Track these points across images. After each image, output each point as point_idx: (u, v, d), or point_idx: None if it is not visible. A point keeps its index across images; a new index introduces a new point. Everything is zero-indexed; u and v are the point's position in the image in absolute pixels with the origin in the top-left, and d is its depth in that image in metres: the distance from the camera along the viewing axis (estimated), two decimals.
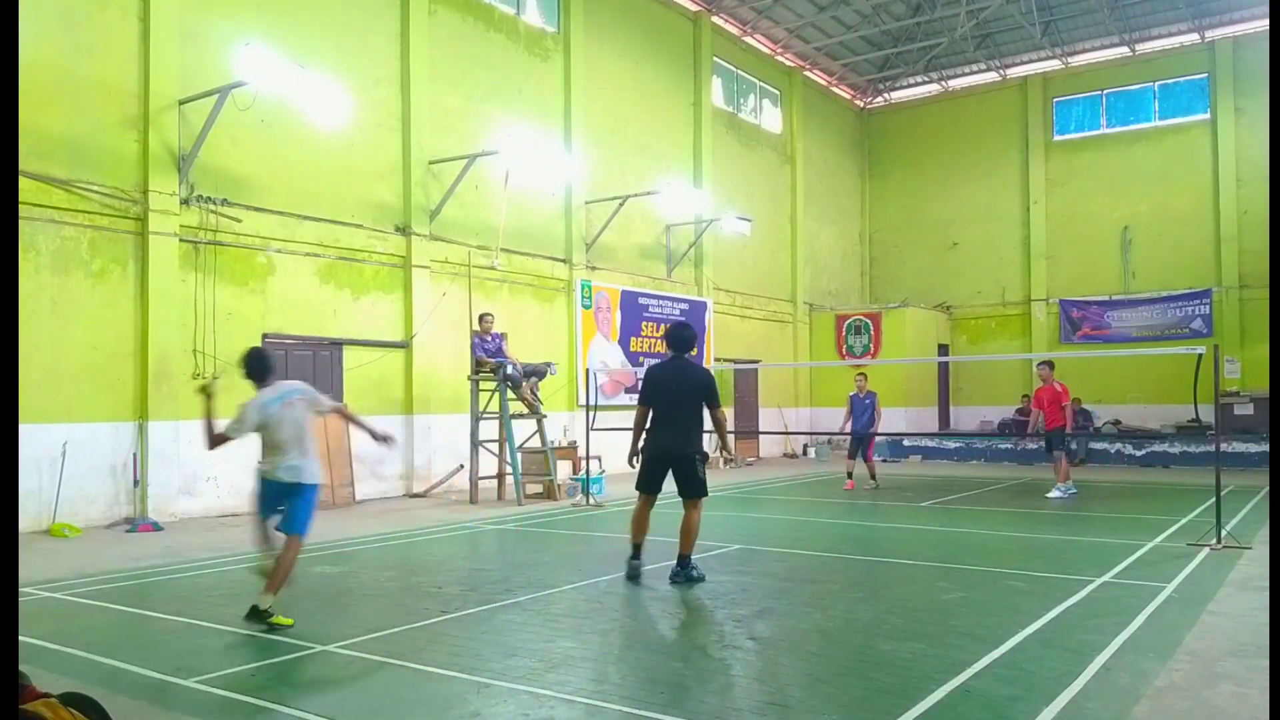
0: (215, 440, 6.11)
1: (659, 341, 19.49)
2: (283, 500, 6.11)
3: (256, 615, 5.85)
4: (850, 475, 15.50)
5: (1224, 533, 8.94)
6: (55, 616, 6.45)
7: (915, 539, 10.19)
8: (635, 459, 7.61)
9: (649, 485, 7.51)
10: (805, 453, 23.49)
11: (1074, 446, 20.06)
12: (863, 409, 15.45)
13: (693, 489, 7.37)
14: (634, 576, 7.37)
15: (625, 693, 4.61)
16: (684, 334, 7.60)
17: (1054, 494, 13.26)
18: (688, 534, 7.36)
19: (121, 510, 11.17)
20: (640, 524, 7.53)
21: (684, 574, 7.27)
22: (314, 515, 6.19)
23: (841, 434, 17.84)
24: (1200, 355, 9.15)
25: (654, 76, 20.05)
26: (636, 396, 7.73)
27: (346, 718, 4.31)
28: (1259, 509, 11.70)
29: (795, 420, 24.00)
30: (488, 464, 13.82)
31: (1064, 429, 13.32)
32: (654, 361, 19.09)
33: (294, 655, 5.34)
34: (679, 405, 7.36)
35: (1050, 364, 13.91)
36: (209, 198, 12.02)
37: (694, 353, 7.71)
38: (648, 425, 7.52)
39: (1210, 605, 6.37)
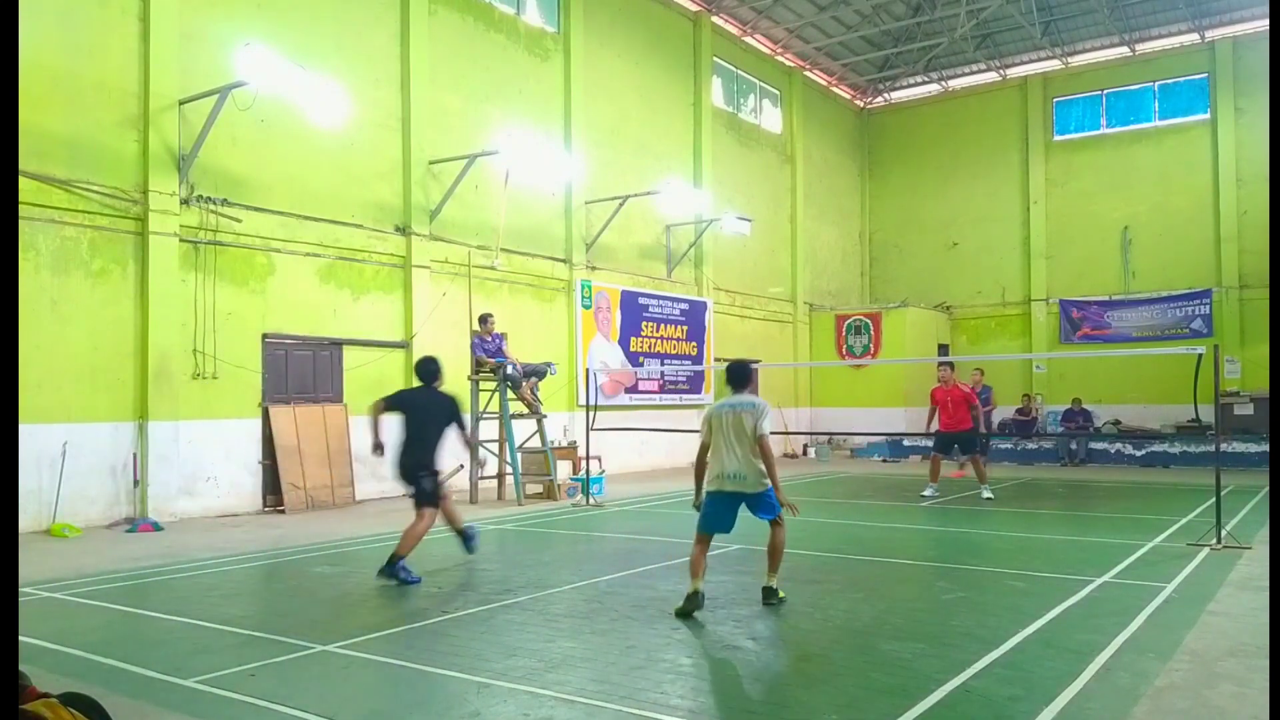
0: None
1: (660, 341, 19.49)
2: (732, 510, 6.50)
3: (769, 594, 6.48)
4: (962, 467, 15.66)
5: (1224, 533, 8.94)
6: (55, 616, 6.45)
7: (915, 539, 10.20)
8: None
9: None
10: (805, 453, 23.47)
11: (1051, 444, 20.06)
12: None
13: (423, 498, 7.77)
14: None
15: (625, 693, 4.60)
16: (430, 366, 8.19)
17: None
18: (412, 538, 7.68)
19: (121, 510, 11.17)
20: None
21: (390, 571, 7.47)
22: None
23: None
24: (1200, 355, 9.15)
25: (654, 76, 20.04)
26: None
27: (346, 718, 4.31)
28: (1259, 509, 11.70)
29: (795, 420, 23.98)
30: (487, 464, 13.81)
31: (975, 431, 13.61)
32: (654, 361, 19.31)
33: (294, 655, 5.35)
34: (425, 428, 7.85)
35: (952, 364, 14.20)
36: (209, 198, 12.02)
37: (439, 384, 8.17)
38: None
39: (1210, 605, 6.37)
